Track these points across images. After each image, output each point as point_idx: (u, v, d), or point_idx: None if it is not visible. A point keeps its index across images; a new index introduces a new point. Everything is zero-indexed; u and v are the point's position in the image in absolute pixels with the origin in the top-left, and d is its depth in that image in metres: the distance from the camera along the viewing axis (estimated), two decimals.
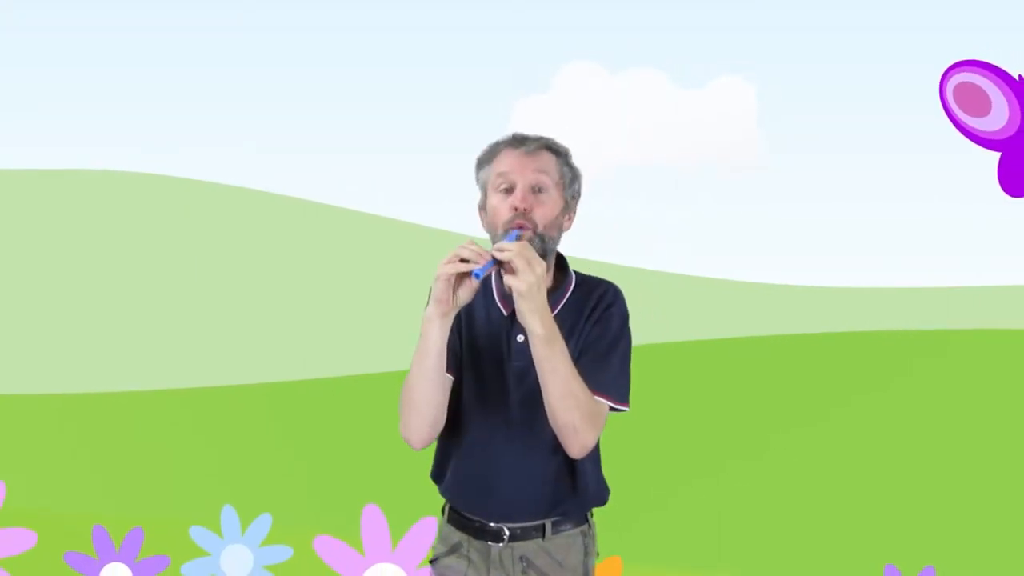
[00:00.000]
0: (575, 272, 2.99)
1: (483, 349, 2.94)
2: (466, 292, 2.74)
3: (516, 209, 2.83)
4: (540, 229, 2.84)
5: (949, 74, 3.24)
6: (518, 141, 2.92)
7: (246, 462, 5.55)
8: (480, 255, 2.66)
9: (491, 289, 2.97)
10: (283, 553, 4.07)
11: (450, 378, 2.90)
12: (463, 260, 2.69)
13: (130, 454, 5.69)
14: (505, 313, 2.91)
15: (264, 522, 4.07)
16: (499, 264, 2.67)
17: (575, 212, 2.99)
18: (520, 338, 2.89)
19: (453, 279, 2.69)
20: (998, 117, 3.23)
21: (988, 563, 5.27)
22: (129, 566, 4.04)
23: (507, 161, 2.90)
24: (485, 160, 2.94)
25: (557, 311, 2.88)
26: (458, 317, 2.94)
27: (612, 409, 2.88)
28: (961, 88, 3.23)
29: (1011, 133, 3.25)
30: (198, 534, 4.07)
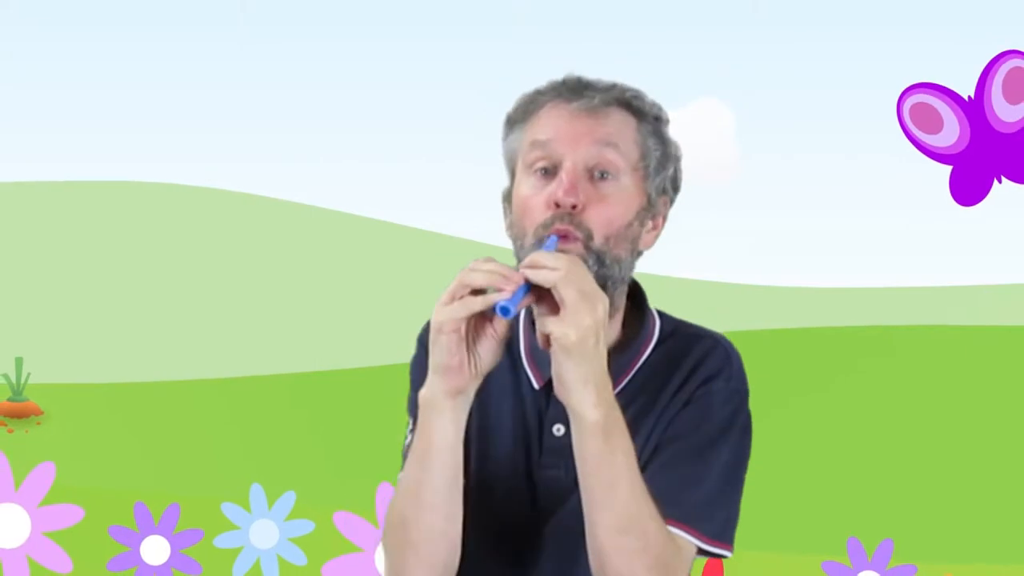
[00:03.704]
0: (660, 315, 1.62)
1: (496, 443, 1.57)
2: (491, 347, 1.43)
3: (558, 205, 1.48)
4: (597, 243, 1.49)
5: (905, 96, 3.24)
6: (572, 89, 1.54)
7: (272, 445, 5.54)
8: (505, 277, 1.38)
9: (515, 341, 1.60)
10: (306, 527, 4.06)
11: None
12: (475, 292, 1.40)
13: (168, 437, 5.68)
14: (538, 386, 1.57)
15: (289, 499, 4.06)
16: (535, 292, 1.40)
17: (665, 217, 1.59)
18: (559, 430, 1.53)
19: (464, 327, 1.41)
20: (949, 134, 3.22)
21: (941, 535, 5.26)
22: (167, 538, 4.02)
23: (551, 122, 1.52)
24: (518, 118, 1.56)
25: (625, 383, 1.55)
26: None
27: (704, 553, 1.53)
28: (916, 108, 3.22)
29: (961, 148, 3.24)
30: (229, 510, 4.06)
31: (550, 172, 1.51)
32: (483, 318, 1.43)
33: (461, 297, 1.40)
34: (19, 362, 5.69)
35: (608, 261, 1.50)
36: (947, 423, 6.25)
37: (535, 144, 1.53)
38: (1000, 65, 3.18)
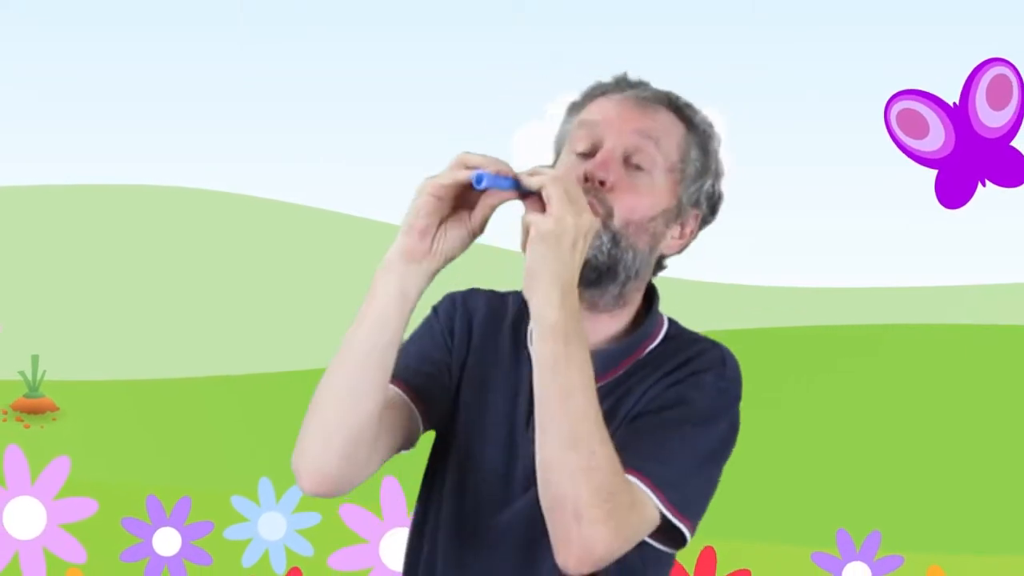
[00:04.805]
0: (670, 321, 1.57)
1: (491, 404, 1.51)
2: (460, 235, 1.39)
3: (587, 180, 1.44)
4: (616, 223, 1.45)
5: (892, 102, 3.24)
6: (630, 83, 1.54)
7: (280, 440, 5.53)
8: (496, 165, 1.34)
9: (523, 324, 1.53)
10: (313, 519, 4.06)
11: (398, 394, 1.49)
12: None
13: (179, 433, 5.68)
14: None
15: (296, 492, 4.06)
16: (528, 200, 1.35)
17: (694, 229, 1.56)
18: None
19: (445, 200, 1.37)
20: (935, 139, 3.23)
21: (928, 527, 5.26)
22: (178, 530, 4.03)
23: (601, 107, 1.51)
24: (575, 106, 1.56)
25: (619, 374, 1.48)
26: (466, 340, 1.54)
27: (669, 529, 1.42)
28: (903, 114, 3.23)
29: (946, 153, 3.24)
30: (239, 502, 4.06)
31: (590, 154, 1.48)
32: (465, 206, 1.38)
33: (456, 169, 1.37)
34: (35, 360, 5.70)
35: (623, 244, 1.45)
36: (934, 418, 6.25)
37: (582, 124, 1.51)
38: (984, 72, 3.19)
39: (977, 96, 3.19)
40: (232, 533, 4.05)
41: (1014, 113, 3.19)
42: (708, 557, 3.79)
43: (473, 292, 1.62)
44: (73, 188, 7.52)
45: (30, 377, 5.67)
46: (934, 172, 3.25)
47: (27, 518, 3.82)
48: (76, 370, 5.89)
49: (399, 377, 1.49)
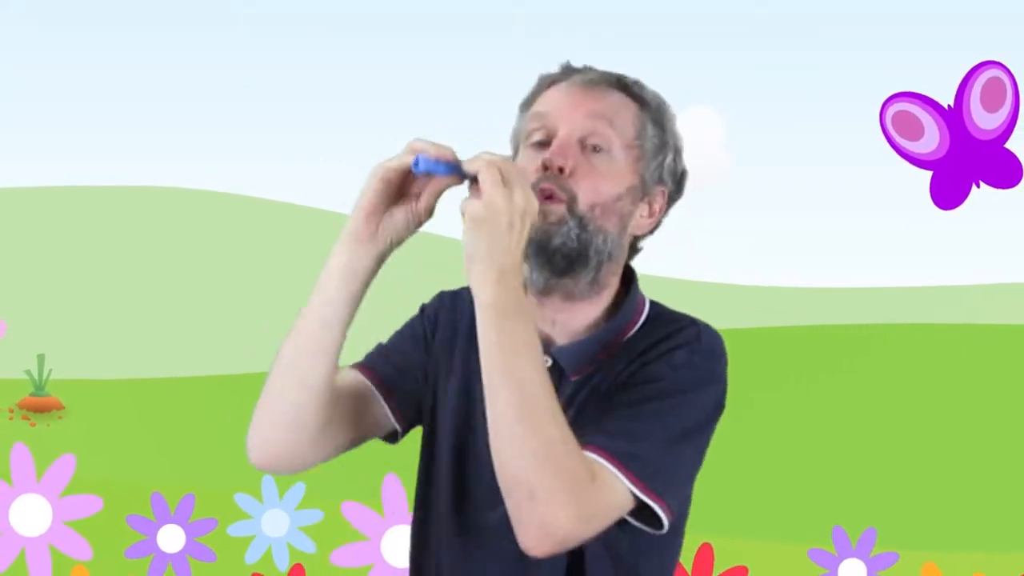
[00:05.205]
0: (652, 303, 1.55)
1: (477, 409, 1.45)
2: (405, 217, 1.40)
3: (547, 169, 1.43)
4: (581, 207, 1.43)
5: (888, 104, 3.26)
6: (575, 69, 1.53)
7: None
8: (439, 151, 1.35)
9: None
10: (315, 516, 4.07)
11: (364, 382, 1.53)
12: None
13: (183, 431, 5.69)
14: None
15: (299, 490, 4.07)
16: (471, 186, 1.36)
17: (663, 205, 1.54)
18: None
19: (393, 184, 1.38)
20: (930, 141, 3.25)
21: (923, 524, 5.28)
22: (182, 527, 4.04)
23: (551, 97, 1.50)
24: (526, 102, 1.54)
25: (602, 362, 1.47)
26: (449, 344, 1.55)
27: (638, 505, 1.37)
28: (898, 116, 3.25)
29: (941, 155, 3.26)
30: (242, 500, 4.08)
31: (546, 144, 1.47)
32: (413, 192, 1.40)
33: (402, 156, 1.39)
34: (41, 359, 5.71)
35: (591, 228, 1.44)
36: (928, 417, 6.28)
37: (534, 117, 1.50)
38: (978, 75, 3.21)
39: (971, 98, 3.21)
40: (235, 530, 4.06)
41: (1008, 115, 3.21)
42: (706, 554, 3.81)
43: (464, 291, 1.59)
44: (76, 189, 7.54)
45: (36, 376, 5.68)
46: (929, 173, 3.27)
47: (33, 515, 3.83)
48: (81, 369, 5.90)
49: (367, 366, 1.55)
